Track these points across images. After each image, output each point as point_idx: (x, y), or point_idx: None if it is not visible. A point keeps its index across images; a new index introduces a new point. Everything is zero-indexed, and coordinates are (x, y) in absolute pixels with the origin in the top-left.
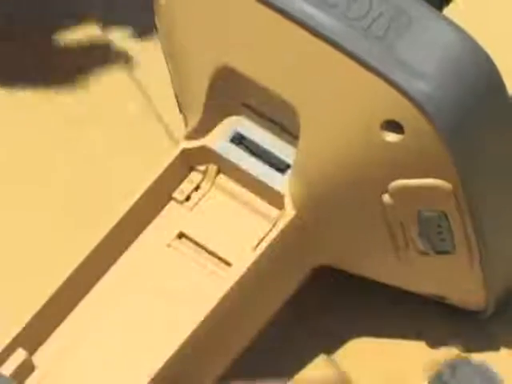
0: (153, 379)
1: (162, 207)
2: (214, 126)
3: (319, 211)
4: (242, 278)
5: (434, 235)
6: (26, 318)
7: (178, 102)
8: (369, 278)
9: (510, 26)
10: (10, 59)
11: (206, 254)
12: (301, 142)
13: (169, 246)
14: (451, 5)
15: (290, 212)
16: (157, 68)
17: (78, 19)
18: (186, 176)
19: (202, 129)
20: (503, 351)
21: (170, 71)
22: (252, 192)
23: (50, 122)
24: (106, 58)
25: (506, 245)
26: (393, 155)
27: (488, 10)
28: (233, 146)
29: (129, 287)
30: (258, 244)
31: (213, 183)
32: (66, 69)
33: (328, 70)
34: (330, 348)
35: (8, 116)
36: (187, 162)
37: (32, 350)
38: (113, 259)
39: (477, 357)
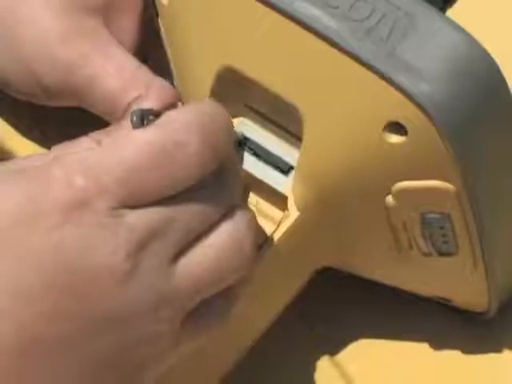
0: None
1: None
2: None
3: (322, 213)
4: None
5: (438, 237)
6: None
7: (181, 103)
8: (372, 280)
9: None
10: None
11: None
12: (304, 143)
13: None
14: (453, 6)
15: (293, 213)
16: (160, 69)
17: None
18: None
19: None
20: (505, 353)
21: (172, 72)
22: (255, 193)
23: (52, 124)
24: None
25: (510, 246)
26: (396, 157)
27: (490, 10)
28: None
29: None
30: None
31: None
32: None
33: (331, 71)
34: (333, 350)
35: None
36: None
37: None
38: None
39: (479, 358)
